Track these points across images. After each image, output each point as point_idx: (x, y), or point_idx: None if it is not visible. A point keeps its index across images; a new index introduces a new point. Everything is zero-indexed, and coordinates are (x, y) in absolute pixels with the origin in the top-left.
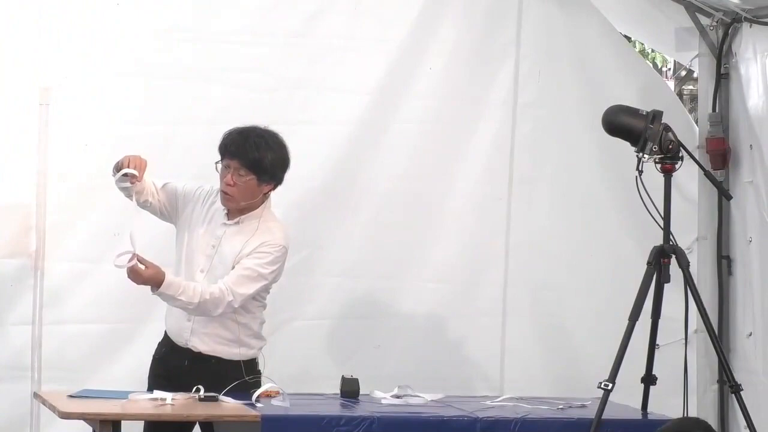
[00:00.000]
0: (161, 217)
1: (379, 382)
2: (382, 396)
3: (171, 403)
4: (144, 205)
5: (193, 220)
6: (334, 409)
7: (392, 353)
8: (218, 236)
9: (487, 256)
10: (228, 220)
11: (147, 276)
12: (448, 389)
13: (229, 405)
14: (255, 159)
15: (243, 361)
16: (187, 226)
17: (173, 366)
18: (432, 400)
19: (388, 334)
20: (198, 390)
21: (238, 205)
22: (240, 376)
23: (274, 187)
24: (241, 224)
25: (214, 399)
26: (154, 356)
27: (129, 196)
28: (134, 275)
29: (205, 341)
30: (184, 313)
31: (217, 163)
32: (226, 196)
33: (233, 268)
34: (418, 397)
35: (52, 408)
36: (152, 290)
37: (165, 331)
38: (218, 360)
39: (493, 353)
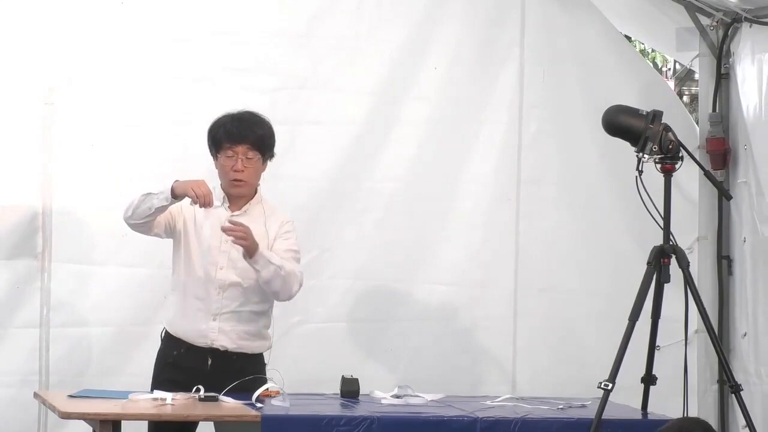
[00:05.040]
0: (166, 235)
1: (390, 384)
2: (382, 396)
3: (171, 403)
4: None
5: (191, 227)
6: (334, 409)
7: (403, 356)
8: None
9: (496, 257)
10: (234, 211)
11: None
12: (459, 391)
13: (229, 405)
14: (260, 137)
15: (259, 353)
16: (188, 234)
17: (192, 368)
18: (432, 400)
19: (398, 336)
20: (198, 390)
21: (250, 189)
22: (256, 369)
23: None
24: (248, 212)
25: (214, 399)
26: (165, 361)
27: (150, 223)
28: (244, 231)
29: (232, 338)
30: (208, 313)
31: (219, 155)
32: (238, 183)
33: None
34: (418, 397)
35: (52, 408)
36: (247, 255)
37: (168, 334)
38: (239, 356)
39: (506, 355)
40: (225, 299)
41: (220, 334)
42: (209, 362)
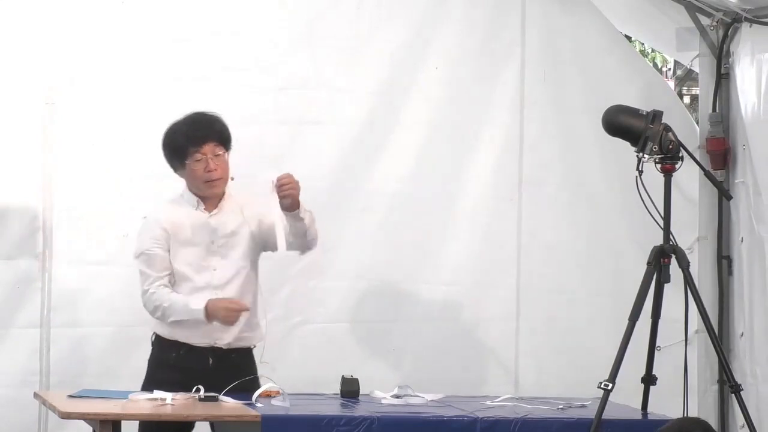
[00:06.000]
0: None
1: (392, 385)
2: (382, 396)
3: (171, 403)
4: None
5: (175, 241)
6: (334, 409)
7: (405, 356)
8: (212, 229)
9: (498, 258)
10: (210, 211)
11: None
12: (462, 392)
13: (229, 405)
14: (220, 132)
15: (250, 348)
16: (176, 249)
17: (193, 368)
18: (432, 400)
19: (400, 337)
20: (198, 390)
21: (225, 184)
22: (250, 365)
23: None
24: (224, 208)
25: (214, 399)
26: (165, 363)
27: None
28: (295, 185)
29: (233, 332)
30: None
31: (187, 161)
32: (215, 182)
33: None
34: (418, 397)
35: (52, 408)
36: (289, 209)
37: (163, 338)
38: (237, 352)
39: (508, 356)
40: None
41: (223, 332)
42: (210, 362)
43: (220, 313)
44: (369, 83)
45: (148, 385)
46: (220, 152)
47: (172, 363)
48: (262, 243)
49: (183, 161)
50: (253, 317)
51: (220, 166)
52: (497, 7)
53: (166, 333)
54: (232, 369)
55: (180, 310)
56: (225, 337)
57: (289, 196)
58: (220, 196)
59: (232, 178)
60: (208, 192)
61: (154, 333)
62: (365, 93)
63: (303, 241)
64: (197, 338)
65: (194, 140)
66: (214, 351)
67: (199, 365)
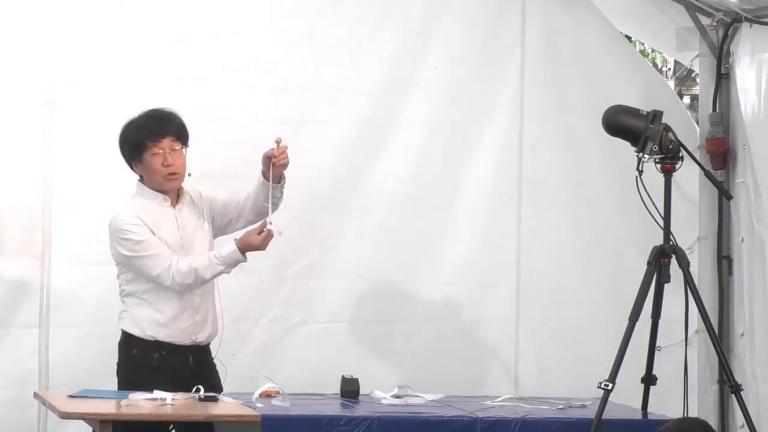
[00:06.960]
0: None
1: (392, 385)
2: (382, 396)
3: (171, 403)
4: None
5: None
6: (334, 409)
7: (406, 356)
8: (180, 225)
9: (498, 258)
10: (174, 206)
11: None
12: (462, 392)
13: (229, 405)
14: (179, 126)
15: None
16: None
17: (177, 367)
18: (432, 400)
19: (400, 337)
20: (198, 390)
21: (182, 180)
22: (210, 359)
23: None
24: (183, 201)
25: (214, 399)
26: (144, 364)
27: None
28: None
29: (210, 326)
30: (191, 311)
31: (144, 155)
32: (174, 176)
33: (214, 225)
34: (418, 397)
35: (52, 408)
36: (275, 180)
37: (141, 339)
38: (207, 347)
39: (508, 356)
40: (195, 295)
41: (204, 324)
42: (191, 360)
43: (254, 244)
44: (369, 83)
45: (129, 387)
46: (178, 147)
47: (156, 364)
48: (217, 226)
49: (141, 156)
50: (216, 310)
51: (178, 161)
52: (497, 7)
53: (146, 333)
54: (207, 368)
55: (214, 262)
56: (205, 330)
57: (284, 165)
58: (178, 191)
59: (189, 174)
60: (167, 186)
61: (124, 333)
62: (365, 93)
63: (273, 208)
64: (182, 337)
65: (153, 134)
66: (194, 349)
67: (182, 365)
